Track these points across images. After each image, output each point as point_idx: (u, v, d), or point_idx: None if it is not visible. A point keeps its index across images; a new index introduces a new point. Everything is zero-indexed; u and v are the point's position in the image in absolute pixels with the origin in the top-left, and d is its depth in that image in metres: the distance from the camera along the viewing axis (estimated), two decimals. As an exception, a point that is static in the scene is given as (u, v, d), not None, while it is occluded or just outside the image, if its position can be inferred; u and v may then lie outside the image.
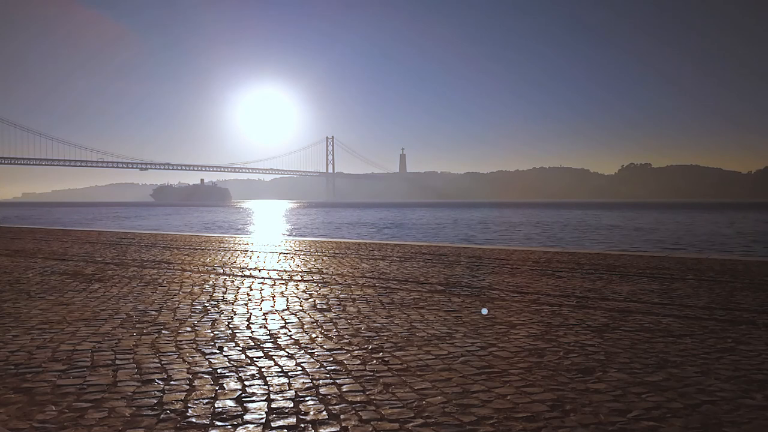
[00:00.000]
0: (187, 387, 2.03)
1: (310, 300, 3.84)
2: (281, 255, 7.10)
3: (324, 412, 1.81)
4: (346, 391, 2.00)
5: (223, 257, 6.75)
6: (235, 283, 4.65)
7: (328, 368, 2.27)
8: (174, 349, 2.53)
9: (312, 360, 2.39)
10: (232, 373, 2.19)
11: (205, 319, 3.19)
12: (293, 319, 3.23)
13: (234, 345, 2.63)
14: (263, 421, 1.74)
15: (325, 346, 2.61)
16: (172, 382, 2.07)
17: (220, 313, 3.38)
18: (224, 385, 2.06)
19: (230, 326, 3.02)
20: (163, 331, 2.88)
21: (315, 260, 6.44)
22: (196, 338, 2.74)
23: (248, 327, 3.01)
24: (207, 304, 3.65)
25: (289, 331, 2.93)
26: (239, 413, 1.80)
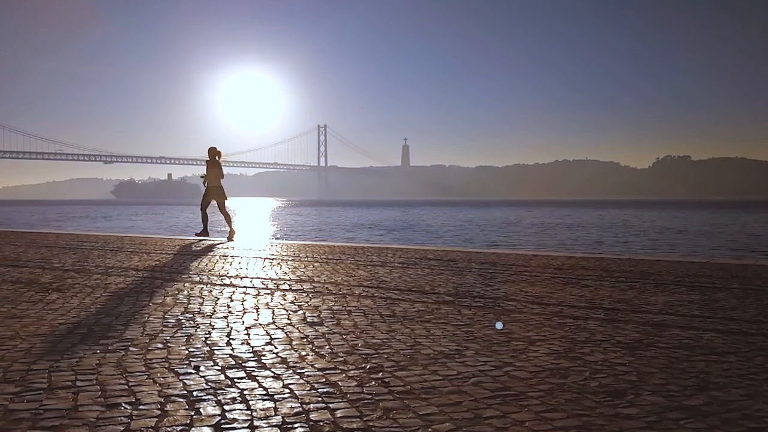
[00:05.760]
0: (159, 412, 2.03)
1: (300, 312, 3.84)
2: (266, 261, 7.11)
3: (315, 441, 1.81)
4: (340, 417, 2.00)
5: (199, 263, 6.76)
6: (214, 292, 4.65)
7: (319, 390, 2.27)
8: (143, 369, 2.53)
9: (301, 381, 2.39)
10: (209, 397, 2.20)
11: (179, 335, 3.19)
12: (280, 334, 3.23)
13: (212, 364, 2.63)
14: (245, 451, 1.75)
15: (316, 366, 2.61)
16: (141, 407, 2.08)
17: (196, 327, 3.39)
18: (201, 410, 2.06)
19: (208, 342, 3.03)
20: (131, 348, 2.88)
21: (305, 267, 6.45)
22: (169, 356, 2.75)
23: (228, 343, 3.01)
24: (181, 317, 3.66)
25: (276, 347, 2.93)
26: (218, 442, 1.80)
